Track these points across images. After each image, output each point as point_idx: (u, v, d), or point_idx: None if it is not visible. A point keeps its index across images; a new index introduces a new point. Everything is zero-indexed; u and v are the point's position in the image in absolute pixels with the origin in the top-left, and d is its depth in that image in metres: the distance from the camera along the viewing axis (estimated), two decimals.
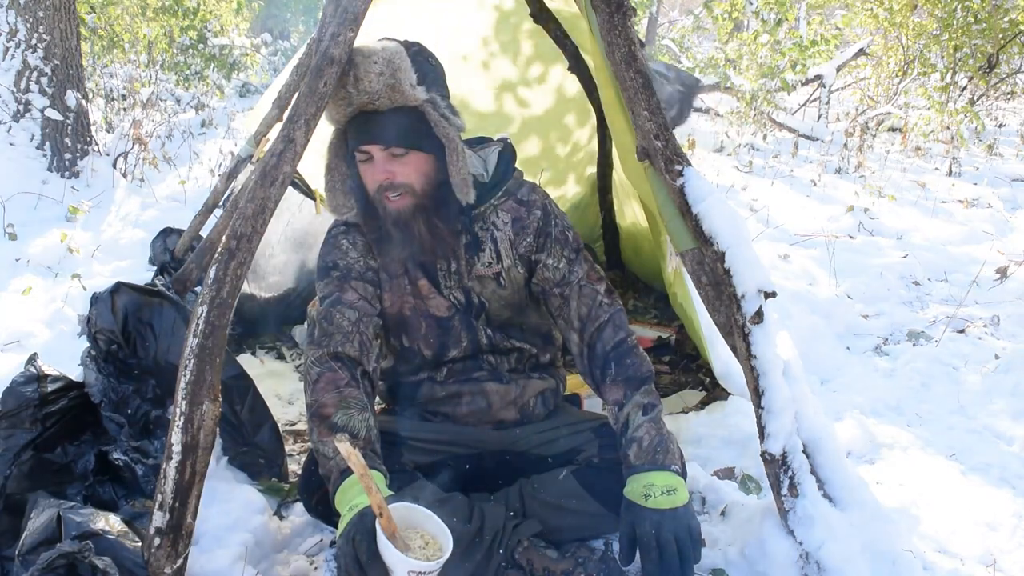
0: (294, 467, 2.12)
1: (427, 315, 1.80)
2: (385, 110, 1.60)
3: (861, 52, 9.30)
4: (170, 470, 1.48)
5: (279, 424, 2.10)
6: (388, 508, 1.28)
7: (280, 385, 2.68)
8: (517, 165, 1.87)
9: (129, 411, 1.91)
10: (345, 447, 1.24)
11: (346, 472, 1.44)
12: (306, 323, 2.90)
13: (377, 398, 2.01)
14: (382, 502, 1.27)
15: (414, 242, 1.70)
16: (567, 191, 3.49)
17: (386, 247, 1.75)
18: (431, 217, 1.69)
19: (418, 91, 1.61)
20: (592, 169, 3.35)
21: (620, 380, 1.70)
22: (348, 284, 1.73)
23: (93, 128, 4.91)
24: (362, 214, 1.75)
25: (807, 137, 7.91)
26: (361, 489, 1.39)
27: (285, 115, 1.91)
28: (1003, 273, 3.75)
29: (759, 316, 1.66)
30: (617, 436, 1.68)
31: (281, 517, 1.89)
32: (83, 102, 4.63)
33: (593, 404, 2.12)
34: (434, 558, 1.29)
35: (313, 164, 2.86)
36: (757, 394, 1.67)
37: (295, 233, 3.03)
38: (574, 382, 2.25)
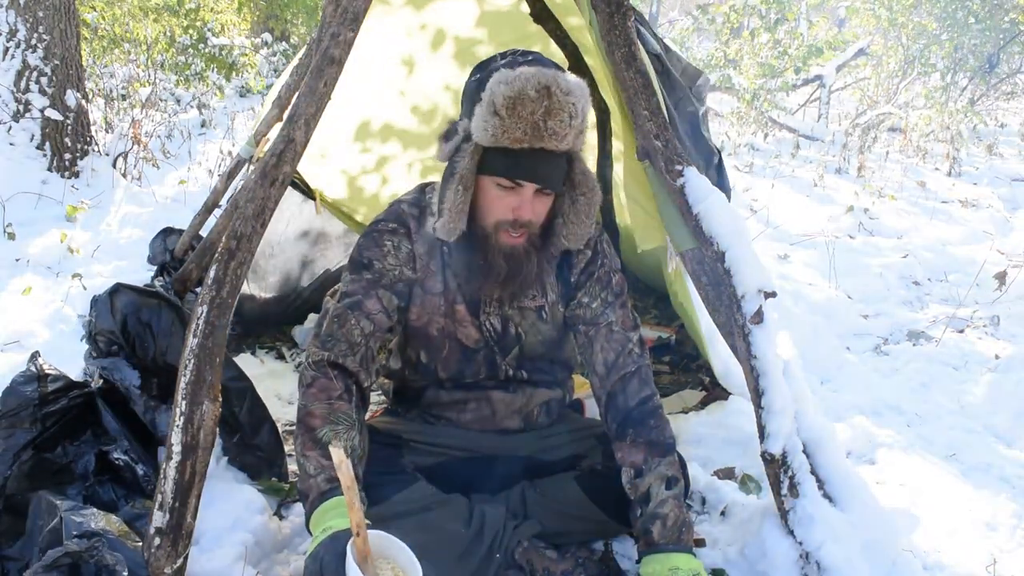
0: (294, 467, 2.11)
1: (454, 340, 1.75)
2: (558, 151, 1.53)
3: (861, 52, 9.30)
4: (170, 470, 1.49)
5: (279, 424, 2.10)
6: (366, 530, 1.25)
7: (280, 385, 2.67)
8: None
9: (136, 407, 1.91)
10: (338, 454, 1.20)
11: (325, 495, 1.41)
12: (321, 312, 2.91)
13: (380, 394, 2.01)
14: (362, 521, 1.23)
15: (516, 280, 1.63)
16: None
17: (483, 278, 1.65)
18: (541, 259, 1.66)
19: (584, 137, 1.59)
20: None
21: (642, 443, 1.63)
22: (375, 291, 1.65)
23: (93, 128, 4.91)
24: (463, 237, 1.62)
25: (807, 137, 7.91)
26: (337, 513, 1.37)
27: (285, 115, 1.91)
28: (1002, 279, 3.74)
29: (759, 316, 1.66)
30: (632, 503, 1.61)
31: (281, 517, 1.89)
32: (83, 102, 4.62)
33: (595, 409, 2.12)
34: None
35: (313, 164, 2.88)
36: (757, 394, 1.67)
37: (295, 233, 3.03)
38: (576, 382, 2.25)
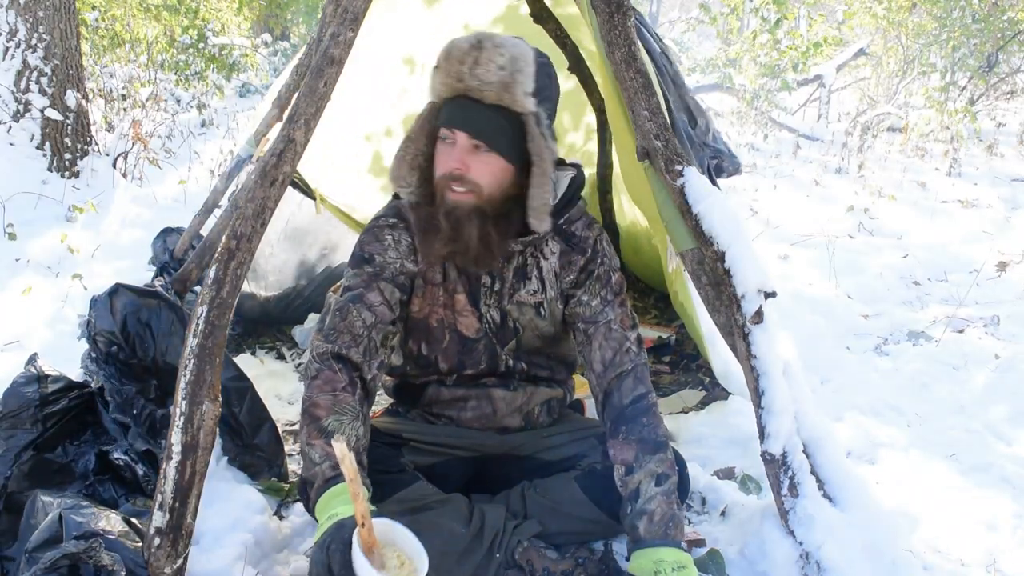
0: (294, 467, 2.12)
1: (454, 330, 1.76)
2: (488, 103, 1.56)
3: (861, 52, 9.30)
4: (170, 470, 1.49)
5: (279, 424, 2.10)
6: (371, 520, 1.26)
7: (280, 385, 2.67)
8: None
9: (135, 412, 1.91)
10: (341, 448, 1.22)
11: (330, 482, 1.41)
12: (323, 308, 2.91)
13: (382, 392, 2.01)
14: (366, 511, 1.24)
15: (459, 242, 1.62)
16: None
17: (428, 238, 1.67)
18: (486, 224, 1.62)
19: (528, 100, 1.57)
20: (591, 169, 3.35)
21: (633, 440, 1.63)
22: (376, 284, 1.67)
23: (93, 128, 4.91)
24: (417, 194, 1.68)
25: (807, 137, 7.91)
26: (343, 500, 1.37)
27: (285, 115, 1.91)
28: (1002, 268, 3.74)
29: (759, 316, 1.66)
30: (623, 501, 1.62)
31: (281, 517, 1.89)
32: (83, 102, 4.63)
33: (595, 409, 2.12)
34: None
35: (313, 164, 2.88)
36: (757, 394, 1.67)
37: (295, 232, 3.03)
38: (576, 382, 2.25)
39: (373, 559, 1.24)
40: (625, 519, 1.60)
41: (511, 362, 1.79)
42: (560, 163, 1.79)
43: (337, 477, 1.41)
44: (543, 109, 1.60)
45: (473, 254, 1.64)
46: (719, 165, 2.07)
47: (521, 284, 1.75)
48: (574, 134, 3.30)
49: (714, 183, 2.06)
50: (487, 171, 1.60)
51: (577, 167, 1.79)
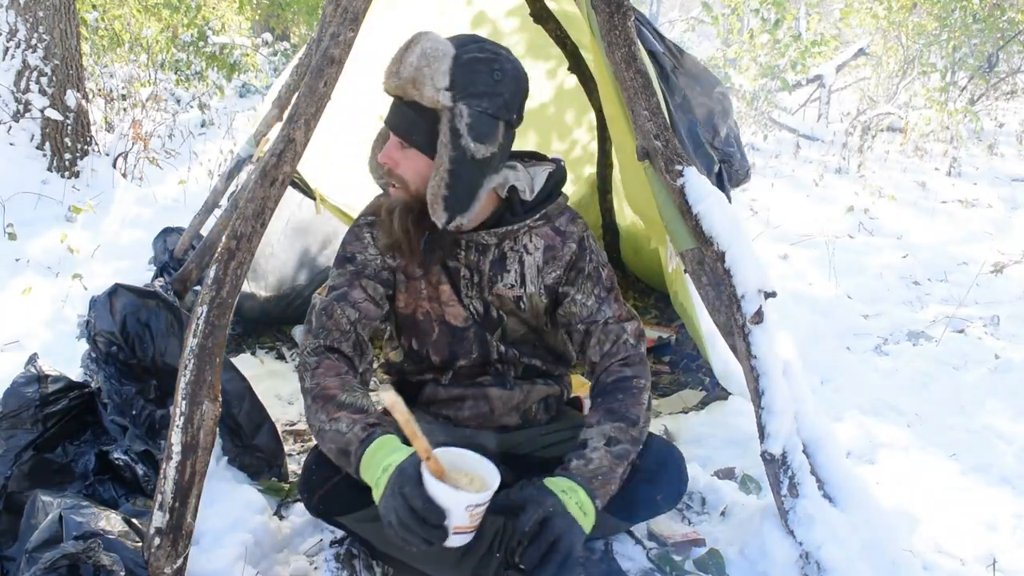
0: (294, 467, 2.12)
1: (442, 322, 1.77)
2: (407, 99, 1.58)
3: (861, 52, 9.30)
4: (170, 470, 1.49)
5: (279, 424, 2.11)
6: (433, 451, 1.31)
7: (280, 385, 2.67)
8: None
9: (134, 412, 1.91)
10: (391, 396, 1.26)
11: (365, 441, 1.43)
12: (309, 309, 2.91)
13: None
14: (427, 445, 1.29)
15: (392, 236, 1.67)
16: (566, 190, 3.48)
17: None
18: (407, 219, 1.65)
19: (441, 95, 1.53)
20: (591, 169, 3.35)
21: (602, 409, 1.65)
22: (359, 281, 1.70)
23: (93, 128, 4.91)
24: (386, 185, 1.74)
25: (807, 137, 7.91)
26: (389, 451, 1.40)
27: (285, 115, 1.92)
28: (999, 270, 3.73)
29: (759, 316, 1.66)
30: (568, 452, 1.60)
31: (281, 517, 1.89)
32: (83, 102, 4.63)
33: None
34: (483, 491, 1.32)
35: (313, 164, 2.88)
36: (757, 394, 1.67)
37: (295, 232, 3.03)
38: (575, 382, 2.25)
39: (449, 482, 1.30)
40: (565, 458, 1.58)
41: (503, 348, 1.79)
42: (541, 158, 1.80)
43: (370, 435, 1.44)
44: (467, 105, 1.53)
45: (404, 248, 1.69)
46: (724, 171, 2.07)
47: (499, 277, 1.75)
48: (578, 131, 3.29)
49: (725, 191, 2.06)
50: (410, 167, 1.62)
51: (557, 162, 1.79)
